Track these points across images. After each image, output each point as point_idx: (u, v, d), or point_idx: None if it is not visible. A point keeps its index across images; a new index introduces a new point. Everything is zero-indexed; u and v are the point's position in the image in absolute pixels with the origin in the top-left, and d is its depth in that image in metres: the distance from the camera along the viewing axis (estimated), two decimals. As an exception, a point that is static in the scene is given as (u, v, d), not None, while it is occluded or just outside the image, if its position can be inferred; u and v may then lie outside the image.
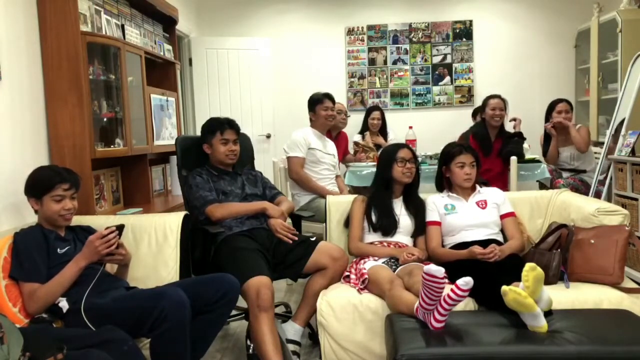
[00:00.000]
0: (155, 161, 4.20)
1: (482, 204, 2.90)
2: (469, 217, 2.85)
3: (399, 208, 2.94)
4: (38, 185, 2.31)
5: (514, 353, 1.99)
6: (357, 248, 2.86)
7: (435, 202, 2.94)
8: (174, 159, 3.81)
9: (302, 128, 4.10)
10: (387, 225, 2.86)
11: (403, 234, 2.89)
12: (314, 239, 2.90)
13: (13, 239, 2.24)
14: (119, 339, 1.89)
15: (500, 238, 2.84)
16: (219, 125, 3.06)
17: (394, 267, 2.68)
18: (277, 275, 2.81)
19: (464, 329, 2.13)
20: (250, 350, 2.64)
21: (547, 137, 4.72)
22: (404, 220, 2.90)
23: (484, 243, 2.70)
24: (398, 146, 3.00)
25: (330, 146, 4.17)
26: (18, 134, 2.71)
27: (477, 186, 2.97)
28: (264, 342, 2.44)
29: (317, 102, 4.06)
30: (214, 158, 3.08)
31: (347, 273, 2.74)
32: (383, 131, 5.57)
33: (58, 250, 2.28)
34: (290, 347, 2.70)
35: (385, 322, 2.33)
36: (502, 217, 2.90)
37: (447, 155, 2.96)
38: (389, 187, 2.94)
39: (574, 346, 1.98)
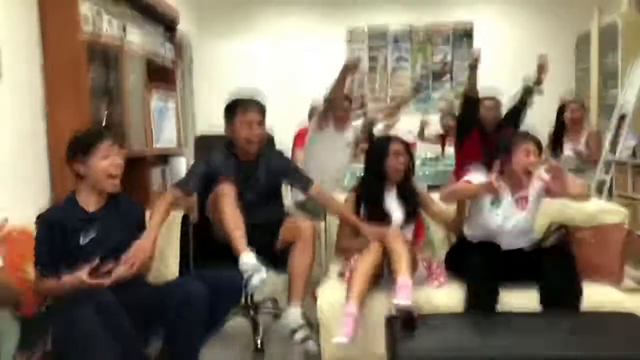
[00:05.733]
0: (154, 163, 4.19)
1: (524, 202, 2.61)
2: (509, 218, 2.58)
3: (392, 200, 2.86)
4: (81, 144, 2.22)
5: (514, 354, 1.99)
6: (344, 244, 2.83)
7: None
8: (173, 160, 3.81)
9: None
10: (378, 223, 2.76)
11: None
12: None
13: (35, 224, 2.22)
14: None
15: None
16: (241, 104, 2.79)
17: None
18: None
19: (463, 330, 2.12)
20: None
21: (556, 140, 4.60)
22: (397, 215, 2.83)
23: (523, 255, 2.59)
24: (390, 139, 2.93)
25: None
26: (18, 135, 2.71)
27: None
28: (227, 220, 2.49)
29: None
30: (236, 143, 2.80)
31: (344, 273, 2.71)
32: None
33: (80, 240, 2.19)
34: (300, 334, 2.58)
35: (385, 322, 2.32)
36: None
37: (510, 141, 2.62)
38: (382, 180, 2.86)
39: (574, 348, 1.97)
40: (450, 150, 4.91)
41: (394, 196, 2.89)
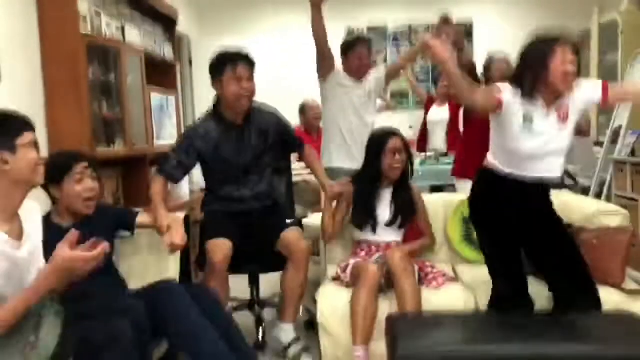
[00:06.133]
0: (155, 161, 4.19)
1: (564, 115, 2.21)
2: (546, 138, 2.19)
3: (387, 200, 2.76)
4: (56, 167, 2.21)
5: (514, 353, 1.98)
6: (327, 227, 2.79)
7: (510, 103, 2.18)
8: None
9: None
10: (362, 221, 2.73)
11: (389, 230, 2.74)
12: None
13: None
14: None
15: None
16: (230, 59, 2.63)
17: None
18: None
19: (464, 329, 2.13)
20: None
21: None
22: (387, 215, 2.73)
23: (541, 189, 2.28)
24: (388, 135, 2.76)
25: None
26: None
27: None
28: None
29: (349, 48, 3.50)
30: (225, 101, 2.67)
31: (338, 273, 2.71)
32: None
33: None
34: (295, 349, 2.67)
35: (385, 322, 2.32)
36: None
37: (546, 43, 2.17)
38: (376, 179, 2.75)
39: (574, 348, 1.97)
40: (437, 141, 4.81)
41: (387, 196, 2.77)
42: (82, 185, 2.25)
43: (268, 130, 2.77)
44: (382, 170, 2.73)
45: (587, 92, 2.26)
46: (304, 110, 4.79)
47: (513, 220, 2.27)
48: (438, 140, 4.91)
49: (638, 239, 2.82)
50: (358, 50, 3.51)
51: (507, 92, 2.20)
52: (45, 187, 2.24)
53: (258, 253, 2.75)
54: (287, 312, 2.72)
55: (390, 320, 2.26)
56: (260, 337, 2.97)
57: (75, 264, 1.61)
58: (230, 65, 2.59)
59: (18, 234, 1.76)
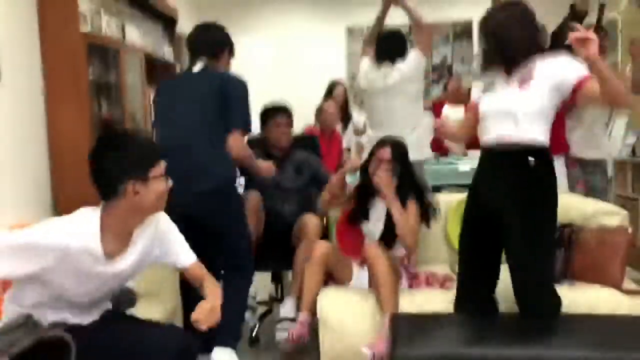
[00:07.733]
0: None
1: (526, 80, 2.07)
2: (498, 98, 2.11)
3: (381, 213, 2.63)
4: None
5: (514, 355, 1.99)
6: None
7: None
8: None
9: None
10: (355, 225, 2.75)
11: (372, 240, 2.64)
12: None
13: None
14: None
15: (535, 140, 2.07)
16: (272, 112, 3.29)
17: None
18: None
19: (464, 330, 2.13)
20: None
21: None
22: (378, 228, 2.63)
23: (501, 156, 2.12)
24: (379, 144, 2.67)
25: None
26: (18, 135, 2.70)
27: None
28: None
29: None
30: (270, 141, 3.28)
31: None
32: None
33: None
34: (283, 325, 2.77)
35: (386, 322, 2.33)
36: (576, 88, 2.00)
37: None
38: (369, 188, 2.64)
39: (574, 349, 1.97)
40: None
41: (381, 209, 2.64)
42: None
43: (303, 167, 3.31)
44: (371, 178, 2.62)
45: (563, 68, 2.06)
46: (320, 112, 4.85)
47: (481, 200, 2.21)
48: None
49: (638, 240, 2.82)
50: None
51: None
52: None
53: (280, 251, 3.03)
54: (291, 287, 2.96)
55: (391, 319, 2.26)
56: (255, 330, 3.08)
57: None
58: (272, 116, 3.29)
59: (122, 250, 1.74)
